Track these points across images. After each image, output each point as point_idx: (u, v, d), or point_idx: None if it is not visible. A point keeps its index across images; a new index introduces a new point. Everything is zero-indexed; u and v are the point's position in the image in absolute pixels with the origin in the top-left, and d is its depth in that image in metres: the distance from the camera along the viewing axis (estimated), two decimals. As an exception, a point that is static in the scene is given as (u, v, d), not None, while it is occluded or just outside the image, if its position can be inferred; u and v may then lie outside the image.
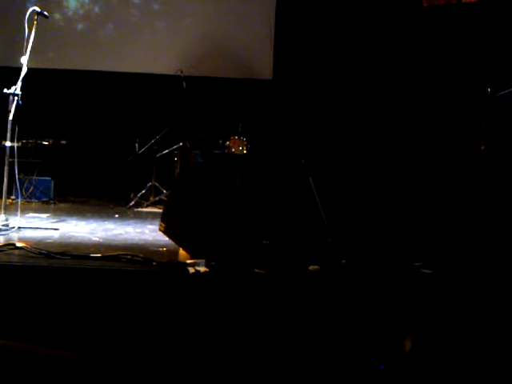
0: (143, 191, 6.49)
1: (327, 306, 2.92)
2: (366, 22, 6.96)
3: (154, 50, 7.35)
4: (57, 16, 7.27)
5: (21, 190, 5.29)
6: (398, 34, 6.81)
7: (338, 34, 7.03)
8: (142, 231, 4.65)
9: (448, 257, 3.82)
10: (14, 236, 4.02)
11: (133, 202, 6.35)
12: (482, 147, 4.66)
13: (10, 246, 3.49)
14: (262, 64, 7.33)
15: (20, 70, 4.35)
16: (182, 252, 3.64)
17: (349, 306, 2.91)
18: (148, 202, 6.42)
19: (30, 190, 6.23)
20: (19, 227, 4.24)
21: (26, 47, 4.38)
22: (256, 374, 1.51)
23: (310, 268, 3.23)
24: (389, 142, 6.69)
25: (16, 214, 4.42)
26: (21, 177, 5.70)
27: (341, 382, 1.94)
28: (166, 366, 1.46)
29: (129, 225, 4.98)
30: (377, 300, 2.94)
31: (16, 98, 4.28)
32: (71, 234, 4.30)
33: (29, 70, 4.38)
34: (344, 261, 3.43)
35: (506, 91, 4.90)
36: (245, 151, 6.26)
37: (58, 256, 3.30)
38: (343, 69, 6.99)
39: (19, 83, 4.30)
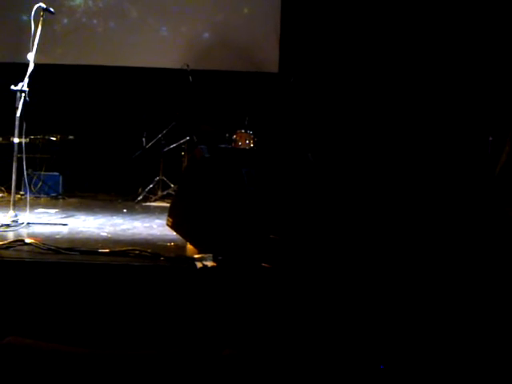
0: (151, 186, 6.51)
1: (333, 300, 2.93)
2: (372, 15, 6.91)
3: (160, 45, 7.36)
4: (63, 11, 7.27)
5: (29, 185, 5.32)
6: (405, 23, 6.76)
7: (345, 27, 7.00)
8: (149, 226, 4.67)
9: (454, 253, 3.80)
10: (24, 232, 4.05)
11: (141, 197, 6.37)
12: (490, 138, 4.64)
13: (19, 242, 3.52)
14: (268, 57, 7.30)
15: (27, 66, 4.37)
16: (189, 247, 3.65)
17: (355, 301, 2.91)
18: (156, 197, 6.44)
19: (39, 186, 6.27)
20: (28, 223, 4.27)
21: (33, 43, 4.40)
22: (262, 369, 1.52)
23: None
24: (395, 135, 6.66)
25: (25, 210, 4.45)
26: (29, 172, 5.73)
27: (342, 381, 1.95)
28: (171, 361, 1.47)
29: (137, 219, 5.00)
30: (382, 296, 2.94)
31: (23, 94, 4.30)
32: (80, 229, 4.33)
33: (36, 65, 4.40)
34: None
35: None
36: (251, 145, 6.26)
37: (67, 252, 3.32)
38: (350, 62, 6.95)
39: (26, 80, 4.32)
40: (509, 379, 2.32)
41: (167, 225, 3.91)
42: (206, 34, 7.38)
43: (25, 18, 6.94)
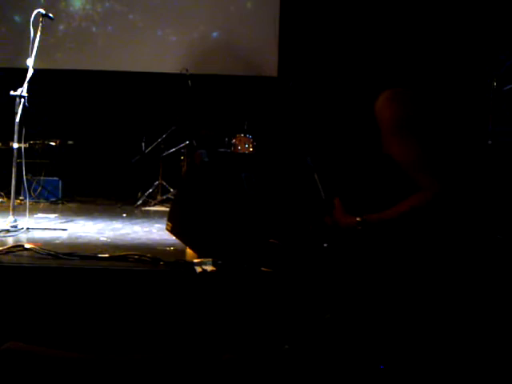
0: (150, 190, 6.52)
1: (332, 304, 2.93)
2: (372, 20, 6.93)
3: (159, 49, 7.37)
4: (62, 17, 7.29)
5: (29, 190, 5.32)
6: (406, 27, 6.77)
7: (344, 31, 7.01)
8: (149, 230, 4.67)
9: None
10: (23, 237, 4.05)
11: (140, 201, 6.37)
12: (489, 142, 4.65)
13: (18, 247, 3.52)
14: (267, 61, 7.32)
15: (26, 71, 4.37)
16: (189, 251, 3.65)
17: (354, 305, 2.91)
18: (155, 201, 6.45)
19: (38, 191, 6.27)
20: (28, 228, 4.27)
21: (32, 49, 4.41)
22: (262, 374, 1.52)
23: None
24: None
25: (24, 215, 4.45)
26: (29, 177, 5.73)
27: (342, 381, 1.95)
28: (171, 366, 1.47)
29: (136, 224, 5.00)
30: (384, 296, 2.93)
31: (23, 99, 4.30)
32: (79, 234, 4.33)
33: (36, 70, 4.40)
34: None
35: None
36: (251, 149, 6.26)
37: (67, 257, 3.32)
38: (349, 66, 6.96)
39: (25, 85, 4.32)
40: (509, 379, 2.32)
41: (166, 229, 3.91)
42: (205, 39, 7.39)
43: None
